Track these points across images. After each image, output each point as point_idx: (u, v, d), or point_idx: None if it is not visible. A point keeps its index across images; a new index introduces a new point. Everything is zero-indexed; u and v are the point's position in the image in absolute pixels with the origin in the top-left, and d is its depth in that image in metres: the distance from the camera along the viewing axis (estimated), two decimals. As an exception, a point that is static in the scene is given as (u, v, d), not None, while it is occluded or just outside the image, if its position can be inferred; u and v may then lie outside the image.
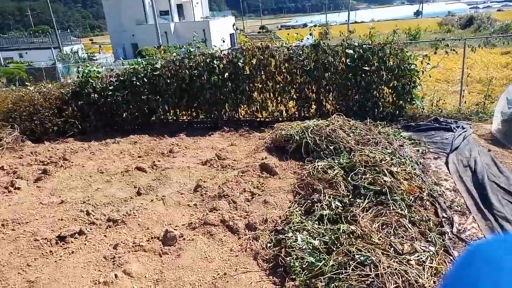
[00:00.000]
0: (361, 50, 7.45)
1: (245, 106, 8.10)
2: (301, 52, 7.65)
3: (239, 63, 7.68)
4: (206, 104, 7.96)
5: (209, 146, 6.65)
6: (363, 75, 7.50)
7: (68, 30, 52.38)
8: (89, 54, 39.19)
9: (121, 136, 7.59)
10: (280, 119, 8.22)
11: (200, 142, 6.95)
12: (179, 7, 45.56)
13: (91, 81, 7.99)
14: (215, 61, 7.73)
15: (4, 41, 46.26)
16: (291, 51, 7.72)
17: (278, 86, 7.95)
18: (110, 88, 7.94)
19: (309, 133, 5.54)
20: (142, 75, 7.88)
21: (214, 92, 7.88)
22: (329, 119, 6.10)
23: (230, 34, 47.62)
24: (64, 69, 27.24)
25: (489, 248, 0.59)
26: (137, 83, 7.85)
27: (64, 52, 34.94)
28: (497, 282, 0.52)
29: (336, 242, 3.23)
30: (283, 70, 7.83)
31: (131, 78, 7.92)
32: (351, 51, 7.43)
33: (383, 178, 3.89)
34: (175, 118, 8.41)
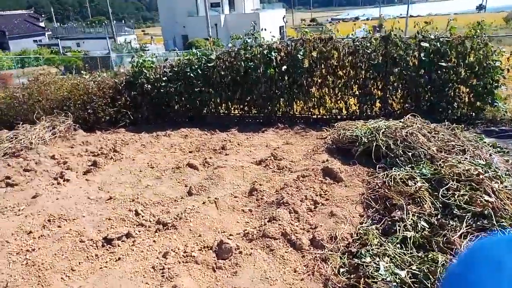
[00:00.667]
0: (438, 43, 6.61)
1: (301, 102, 7.52)
2: (368, 45, 6.94)
3: (299, 56, 7.11)
4: (260, 98, 7.47)
5: (262, 143, 6.17)
6: (438, 71, 6.66)
7: (123, 21, 54.17)
8: (141, 44, 40.22)
9: (172, 129, 7.30)
10: (339, 117, 7.58)
11: (253, 138, 6.48)
12: (230, -1, 45.43)
13: (145, 71, 7.77)
14: (273, 53, 7.21)
15: (63, 30, 48.64)
16: (357, 43, 7.03)
17: (339, 81, 7.30)
18: (164, 79, 7.67)
19: (381, 136, 4.88)
20: (196, 66, 7.54)
21: (270, 86, 7.38)
22: (403, 120, 5.38)
23: (280, 27, 46.92)
24: (118, 59, 27.95)
25: (491, 247, 0.58)
26: (191, 74, 7.52)
27: (118, 42, 36.00)
28: (499, 281, 0.51)
29: (430, 277, 2.62)
30: (346, 64, 7.17)
31: (185, 69, 7.60)
32: (426, 45, 6.61)
33: (483, 197, 3.19)
34: (226, 112, 8.02)
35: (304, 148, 5.92)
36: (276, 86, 7.40)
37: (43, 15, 57.66)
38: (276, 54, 7.27)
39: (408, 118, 5.44)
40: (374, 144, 4.85)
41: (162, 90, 7.63)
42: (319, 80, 7.40)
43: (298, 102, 7.59)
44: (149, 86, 7.68)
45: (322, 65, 7.25)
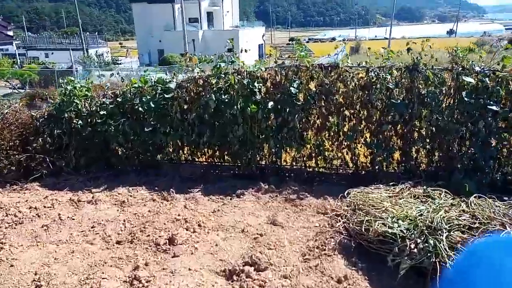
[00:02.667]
0: (486, 78, 4.64)
1: (292, 149, 5.37)
2: (387, 77, 4.89)
3: (292, 89, 4.98)
4: (237, 144, 5.27)
5: (237, 225, 3.92)
6: (489, 117, 4.67)
7: (96, 33, 51.22)
8: (113, 58, 37.51)
9: (106, 186, 4.99)
10: (342, 170, 5.47)
11: (223, 212, 4.23)
12: (209, 14, 43.61)
13: (76, 101, 5.45)
14: (256, 84, 5.05)
15: (34, 40, 45.31)
16: (372, 74, 4.97)
17: (345, 124, 5.21)
18: (102, 113, 5.37)
19: (444, 243, 2.76)
20: (148, 97, 5.28)
21: (250, 127, 5.20)
22: (480, 204, 3.29)
23: (258, 45, 45.24)
24: (85, 73, 25.26)
25: (488, 248, 0.57)
26: (140, 108, 5.25)
27: (89, 54, 33.24)
28: (497, 283, 0.51)
29: None
30: (356, 101, 5.09)
31: (132, 100, 5.33)
32: (470, 80, 4.62)
33: None
34: (190, 158, 5.76)
35: (301, 236, 3.72)
36: (259, 129, 5.23)
37: (12, 24, 53.94)
38: (261, 85, 5.13)
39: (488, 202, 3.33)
40: (433, 259, 2.71)
41: (99, 128, 5.32)
42: (318, 122, 5.28)
43: (288, 150, 5.44)
44: (80, 122, 5.36)
45: (323, 101, 5.15)
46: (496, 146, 4.83)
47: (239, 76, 5.16)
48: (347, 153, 5.35)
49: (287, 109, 5.08)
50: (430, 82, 4.84)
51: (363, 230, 3.29)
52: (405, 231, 3.04)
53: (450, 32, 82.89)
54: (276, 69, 5.23)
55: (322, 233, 3.71)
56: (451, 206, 3.42)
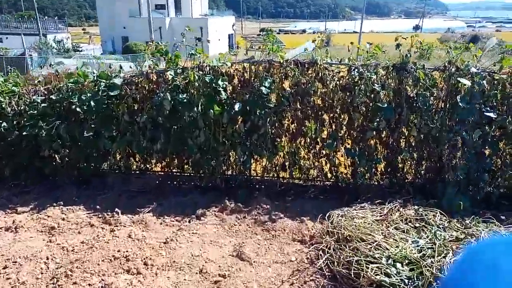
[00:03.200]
0: (484, 81, 4.04)
1: (264, 158, 4.61)
2: (373, 77, 4.20)
3: (263, 88, 4.19)
4: (198, 152, 4.44)
5: (194, 261, 3.11)
6: (485, 125, 4.10)
7: (56, 18, 48.00)
8: (74, 44, 35.16)
9: (36, 203, 4.05)
10: (319, 182, 4.78)
11: (178, 242, 3.40)
12: (177, 1, 41.85)
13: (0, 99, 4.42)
14: (220, 82, 4.21)
15: (-15, 23, 41.82)
16: (354, 74, 4.26)
17: (324, 129, 4.50)
18: (31, 113, 4.37)
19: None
20: (89, 94, 4.33)
21: (214, 132, 4.37)
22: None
23: (228, 35, 43.97)
24: (41, 60, 23.37)
25: (487, 249, 0.56)
26: (78, 108, 4.29)
27: (48, 40, 30.89)
28: (495, 284, 0.50)
29: None
30: (336, 104, 4.38)
31: (69, 98, 4.37)
32: (467, 83, 4.01)
33: None
34: (143, 167, 4.87)
35: (274, 276, 2.97)
36: (224, 134, 4.42)
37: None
38: (226, 83, 4.30)
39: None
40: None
41: (27, 132, 4.32)
42: (293, 127, 4.54)
43: (258, 159, 4.67)
44: (4, 124, 4.34)
45: (299, 103, 4.41)
46: (491, 157, 4.28)
47: (201, 72, 4.31)
48: (325, 163, 4.65)
49: (257, 112, 4.30)
50: (420, 84, 4.20)
51: (352, 275, 2.58)
52: (407, 281, 2.36)
53: (416, 28, 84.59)
54: (245, 64, 4.42)
55: (299, 271, 2.98)
56: (456, 240, 2.78)
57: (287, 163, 4.67)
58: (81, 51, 32.14)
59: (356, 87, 4.25)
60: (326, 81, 4.32)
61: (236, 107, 4.22)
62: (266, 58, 4.41)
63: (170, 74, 4.29)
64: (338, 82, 4.36)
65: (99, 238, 3.37)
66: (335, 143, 4.40)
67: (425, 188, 4.50)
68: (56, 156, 4.57)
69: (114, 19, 37.68)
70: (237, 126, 4.37)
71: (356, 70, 4.30)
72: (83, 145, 4.42)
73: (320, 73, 4.34)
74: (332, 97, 4.34)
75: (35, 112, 4.38)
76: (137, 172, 4.82)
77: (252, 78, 4.37)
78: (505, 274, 0.52)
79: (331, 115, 4.46)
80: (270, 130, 4.43)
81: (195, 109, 4.21)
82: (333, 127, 4.48)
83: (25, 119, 4.36)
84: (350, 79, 4.30)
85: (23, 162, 4.52)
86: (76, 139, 4.43)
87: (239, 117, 4.39)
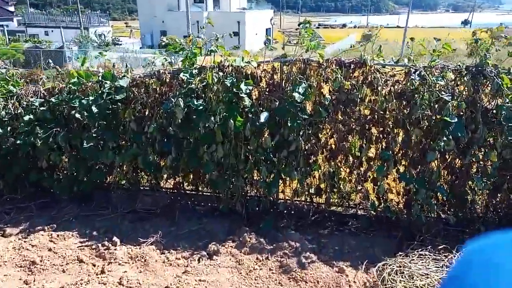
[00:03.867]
0: None
1: (293, 180, 3.75)
2: (440, 82, 3.22)
3: (296, 94, 3.33)
4: (215, 169, 3.66)
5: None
6: None
7: (99, 11, 49.07)
8: (114, 38, 35.56)
9: (28, 224, 3.47)
10: (363, 211, 3.87)
11: (183, 290, 2.67)
12: (216, -5, 41.39)
13: (-6, 99, 3.86)
14: (243, 86, 3.40)
15: (34, 16, 43.48)
16: (414, 78, 3.30)
17: (372, 147, 3.58)
18: (27, 118, 3.77)
19: None
20: (91, 99, 3.66)
21: (234, 147, 3.58)
22: None
23: (266, 29, 43.02)
24: (80, 53, 23.58)
25: (488, 249, 0.56)
26: (78, 114, 3.64)
27: (86, 34, 31.40)
28: (496, 284, 0.50)
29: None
30: (389, 116, 3.45)
31: (70, 102, 3.73)
32: None
33: None
34: (153, 182, 4.15)
35: None
36: (247, 149, 3.61)
37: (14, -1, 51.88)
38: (251, 87, 3.47)
39: None
40: None
41: (20, 141, 3.73)
42: (332, 142, 3.66)
43: (288, 181, 3.82)
44: (-2, 130, 3.78)
45: (340, 113, 3.52)
46: None
47: (221, 73, 3.52)
48: (372, 188, 3.73)
49: (288, 123, 3.45)
50: (504, 93, 3.18)
51: None
52: None
53: (465, 23, 79.32)
54: (275, 64, 3.58)
55: None
56: None
57: (322, 186, 3.80)
58: (120, 44, 32.44)
59: (416, 95, 3.30)
60: (377, 87, 3.40)
61: (262, 117, 3.39)
62: (301, 56, 3.54)
63: (184, 76, 3.53)
64: (392, 88, 3.43)
65: (82, 282, 2.68)
66: (385, 164, 3.47)
67: (501, 225, 3.50)
68: (54, 169, 3.96)
69: (154, 13, 37.87)
70: (262, 140, 3.54)
71: (417, 73, 3.34)
72: (84, 156, 3.77)
73: (369, 77, 3.42)
74: (384, 107, 3.41)
75: (32, 116, 3.78)
76: (146, 188, 4.12)
77: (284, 82, 3.53)
78: (507, 273, 0.49)
79: (382, 129, 3.54)
80: (303, 145, 3.58)
81: (213, 118, 3.43)
82: (384, 144, 3.55)
83: (20, 124, 3.77)
84: (408, 85, 3.35)
85: (20, 174, 3.95)
86: (77, 149, 3.79)
87: (266, 129, 3.57)
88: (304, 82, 3.40)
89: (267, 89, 3.60)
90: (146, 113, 3.79)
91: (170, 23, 36.31)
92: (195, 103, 3.46)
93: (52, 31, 38.95)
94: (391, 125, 3.49)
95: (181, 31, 30.55)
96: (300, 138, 3.50)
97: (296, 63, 3.54)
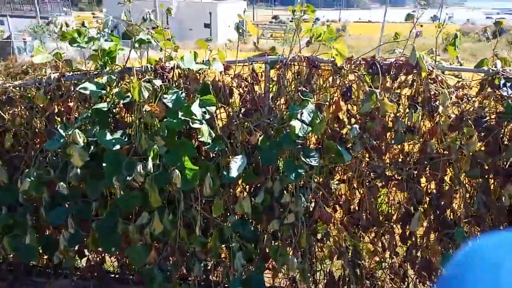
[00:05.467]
0: None
1: (293, 271, 2.17)
2: None
3: (296, 122, 1.74)
4: (147, 254, 2.03)
5: None
6: None
7: (60, 0, 45.48)
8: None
9: None
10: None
11: None
12: (186, -16, 39.07)
13: None
14: (195, 108, 1.75)
15: (-11, 5, 39.68)
16: (507, 91, 1.80)
17: (421, 207, 2.05)
18: None
19: None
20: None
21: (183, 215, 1.97)
22: None
23: (239, 21, 41.08)
24: (29, 47, 21.09)
25: (488, 247, 0.55)
26: None
27: (42, 24, 28.55)
28: (496, 283, 0.49)
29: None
30: (458, 158, 1.93)
31: None
32: None
33: None
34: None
35: None
36: (206, 218, 2.00)
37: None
38: (213, 108, 1.84)
39: None
40: None
41: None
42: (355, 201, 2.11)
43: (276, 265, 2.24)
44: None
45: (369, 153, 1.97)
46: None
47: (158, 82, 1.87)
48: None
49: (280, 172, 1.86)
50: None
51: None
52: None
53: (434, 18, 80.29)
54: (255, 65, 1.97)
55: None
56: None
57: (338, 273, 2.24)
58: (83, 35, 29.80)
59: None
60: (441, 107, 1.86)
61: (234, 168, 1.78)
62: (301, 53, 1.96)
63: (86, 86, 1.85)
64: (459, 109, 1.91)
65: None
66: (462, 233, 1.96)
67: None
68: None
69: (119, 2, 35.24)
70: (237, 203, 1.94)
71: (508, 81, 1.82)
72: None
73: (426, 90, 1.88)
74: (447, 143, 1.88)
75: None
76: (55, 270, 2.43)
77: (272, 97, 1.93)
78: (507, 273, 0.48)
79: (439, 176, 2.01)
80: (309, 209, 2.01)
81: (140, 167, 1.78)
82: (445, 207, 2.03)
83: None
84: (492, 105, 1.83)
85: None
86: None
87: (240, 183, 1.97)
88: (310, 100, 1.82)
89: (243, 110, 1.99)
90: (21, 153, 2.10)
91: (136, 12, 33.85)
92: (108, 137, 1.80)
93: (7, 19, 35.59)
94: (460, 174, 1.97)
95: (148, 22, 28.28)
96: (303, 199, 1.92)
97: (294, 65, 1.95)
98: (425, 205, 2.04)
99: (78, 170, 1.86)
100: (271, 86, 2.00)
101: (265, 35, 35.76)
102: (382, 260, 2.28)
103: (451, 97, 1.87)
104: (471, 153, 1.84)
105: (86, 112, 1.89)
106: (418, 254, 2.12)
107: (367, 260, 2.27)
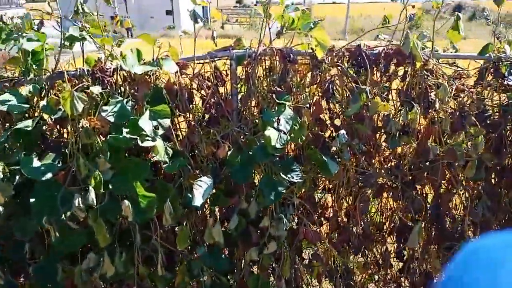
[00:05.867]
0: None
1: None
2: None
3: (271, 131, 1.40)
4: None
5: None
6: None
7: (9, -9, 42.46)
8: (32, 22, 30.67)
9: None
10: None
11: None
12: (145, -30, 37.35)
13: None
14: (144, 121, 1.38)
15: None
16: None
17: (419, 218, 1.79)
18: None
19: None
20: None
21: (137, 253, 1.61)
22: None
23: (203, 7, 39.95)
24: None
25: (487, 247, 0.53)
26: None
27: (-4, 17, 26.52)
28: (496, 283, 0.47)
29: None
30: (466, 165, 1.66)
31: None
32: None
33: None
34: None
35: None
36: (170, 255, 1.65)
37: None
38: (167, 119, 1.47)
39: None
40: None
41: None
42: (340, 209, 1.82)
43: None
44: None
45: (356, 159, 1.67)
46: None
47: (96, 88, 1.47)
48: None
49: (258, 188, 1.54)
50: None
51: None
52: None
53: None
54: (218, 63, 1.60)
55: None
56: None
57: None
58: (37, 30, 27.96)
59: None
60: (439, 103, 1.57)
61: (199, 190, 1.43)
62: (272, 45, 1.61)
63: (1, 103, 1.43)
64: (455, 103, 1.64)
65: None
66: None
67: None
68: None
69: (74, -8, 33.28)
70: (205, 234, 1.60)
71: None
72: None
73: (422, 83, 1.59)
74: (447, 144, 1.61)
75: None
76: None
77: (242, 100, 1.58)
78: (507, 273, 0.47)
79: (440, 187, 1.75)
80: (292, 227, 1.70)
81: (78, 199, 1.39)
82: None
83: None
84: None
85: None
86: None
87: (208, 209, 1.63)
88: (287, 104, 1.48)
89: (207, 117, 1.63)
90: None
91: (92, 1, 32.09)
92: (34, 164, 1.40)
93: (-50, 14, 32.87)
94: (460, 178, 1.71)
95: (106, 11, 26.89)
96: (285, 220, 1.60)
97: (265, 59, 1.60)
98: (423, 214, 1.78)
99: (1, 208, 1.45)
100: (239, 86, 1.65)
101: (230, 20, 34.85)
102: (374, 273, 2.03)
103: (451, 90, 1.59)
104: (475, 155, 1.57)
105: (5, 133, 1.47)
106: (416, 267, 1.87)
107: (358, 275, 2.01)
